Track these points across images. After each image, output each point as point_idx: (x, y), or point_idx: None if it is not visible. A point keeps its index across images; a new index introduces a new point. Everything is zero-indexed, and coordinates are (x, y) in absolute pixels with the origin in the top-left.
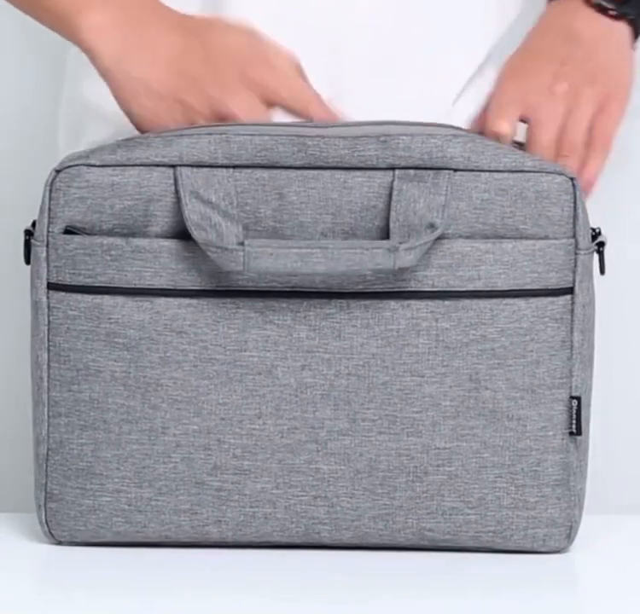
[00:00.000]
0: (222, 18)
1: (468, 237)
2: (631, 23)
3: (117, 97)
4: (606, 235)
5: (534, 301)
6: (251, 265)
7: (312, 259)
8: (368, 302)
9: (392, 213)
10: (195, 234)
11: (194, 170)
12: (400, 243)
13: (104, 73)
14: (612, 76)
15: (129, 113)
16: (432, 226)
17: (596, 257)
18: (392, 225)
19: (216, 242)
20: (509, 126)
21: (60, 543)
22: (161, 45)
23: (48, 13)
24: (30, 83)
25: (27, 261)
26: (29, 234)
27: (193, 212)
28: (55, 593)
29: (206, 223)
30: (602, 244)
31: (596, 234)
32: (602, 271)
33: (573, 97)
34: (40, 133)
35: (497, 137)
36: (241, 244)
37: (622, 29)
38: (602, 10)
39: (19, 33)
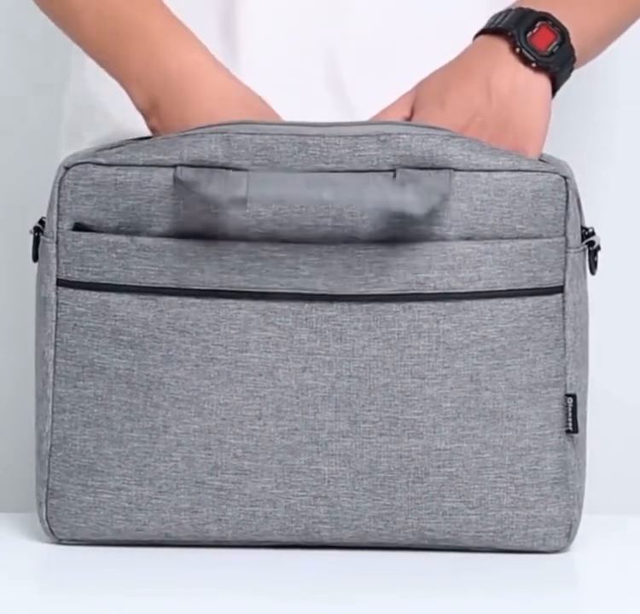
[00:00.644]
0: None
1: (468, 238)
2: (552, 76)
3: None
4: (601, 236)
5: (530, 300)
6: (255, 191)
7: (318, 187)
8: (369, 304)
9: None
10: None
11: (195, 169)
12: (408, 183)
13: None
14: (526, 127)
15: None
16: (440, 191)
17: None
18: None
19: (217, 171)
20: None
21: (60, 541)
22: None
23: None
24: (26, 78)
25: (35, 258)
26: (38, 230)
27: (188, 211)
28: (55, 593)
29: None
30: (591, 243)
31: (588, 233)
32: (593, 271)
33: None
34: (39, 131)
35: None
36: (245, 170)
37: (541, 82)
38: (524, 61)
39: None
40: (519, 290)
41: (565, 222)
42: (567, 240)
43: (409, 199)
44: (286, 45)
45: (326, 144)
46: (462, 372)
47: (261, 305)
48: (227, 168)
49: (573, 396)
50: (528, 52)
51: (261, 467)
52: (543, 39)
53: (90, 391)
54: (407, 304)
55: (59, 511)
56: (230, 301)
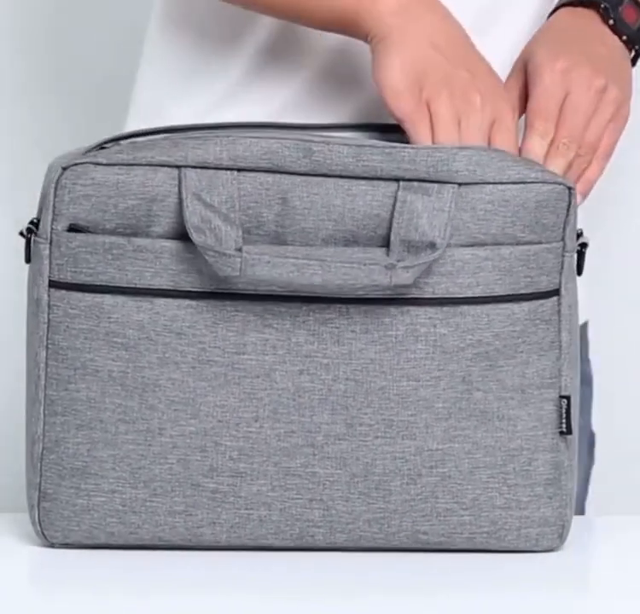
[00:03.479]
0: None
1: (468, 245)
2: (636, 52)
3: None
4: (589, 236)
5: (526, 304)
6: (247, 272)
7: (309, 271)
8: (367, 307)
9: (394, 225)
10: (194, 236)
11: (199, 171)
12: (398, 261)
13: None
14: (625, 85)
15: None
16: (433, 246)
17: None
18: (393, 238)
19: (214, 246)
20: (541, 145)
21: (52, 545)
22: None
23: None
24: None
25: (28, 259)
26: (31, 232)
27: (194, 214)
28: (47, 596)
29: (205, 226)
30: (584, 245)
31: (578, 234)
32: (580, 272)
33: (602, 95)
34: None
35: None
36: (239, 250)
37: (627, 55)
38: (616, 32)
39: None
40: (516, 295)
41: (564, 228)
42: (564, 245)
43: (399, 279)
44: None
45: (330, 151)
46: (455, 373)
47: (258, 307)
48: (231, 169)
49: (568, 398)
50: (621, 24)
51: (257, 470)
52: (631, 14)
53: (82, 394)
54: (405, 308)
55: (51, 514)
56: (228, 303)
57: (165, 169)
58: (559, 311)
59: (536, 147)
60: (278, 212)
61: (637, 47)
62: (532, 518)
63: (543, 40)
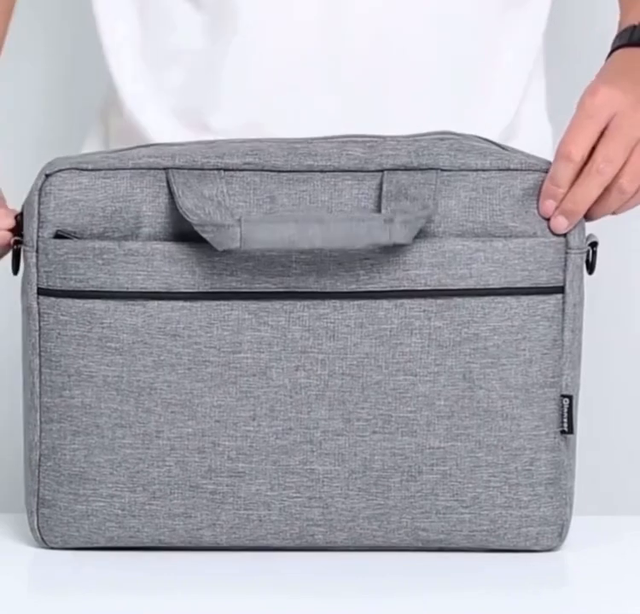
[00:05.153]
0: None
1: (458, 235)
2: None
3: None
4: (597, 234)
5: (525, 299)
6: (248, 241)
7: (309, 231)
8: (361, 302)
9: (384, 201)
10: (190, 217)
11: (186, 172)
12: (395, 215)
13: None
14: None
15: None
16: (425, 206)
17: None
18: (384, 207)
19: (212, 221)
20: (565, 167)
21: (51, 549)
22: None
23: None
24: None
25: (15, 270)
26: (18, 242)
27: (186, 200)
28: (47, 597)
29: (200, 211)
30: (594, 244)
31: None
32: (591, 271)
33: None
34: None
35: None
36: (238, 220)
37: None
38: None
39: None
40: (513, 288)
41: None
42: (567, 241)
43: (398, 235)
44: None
45: (314, 146)
46: (454, 369)
47: (253, 305)
48: (218, 169)
49: (569, 397)
50: None
51: (255, 469)
52: None
53: (77, 400)
54: (398, 301)
55: (50, 520)
56: (222, 302)
57: (153, 171)
58: (563, 309)
59: (559, 170)
60: (267, 211)
61: None
62: (532, 517)
63: (595, 77)
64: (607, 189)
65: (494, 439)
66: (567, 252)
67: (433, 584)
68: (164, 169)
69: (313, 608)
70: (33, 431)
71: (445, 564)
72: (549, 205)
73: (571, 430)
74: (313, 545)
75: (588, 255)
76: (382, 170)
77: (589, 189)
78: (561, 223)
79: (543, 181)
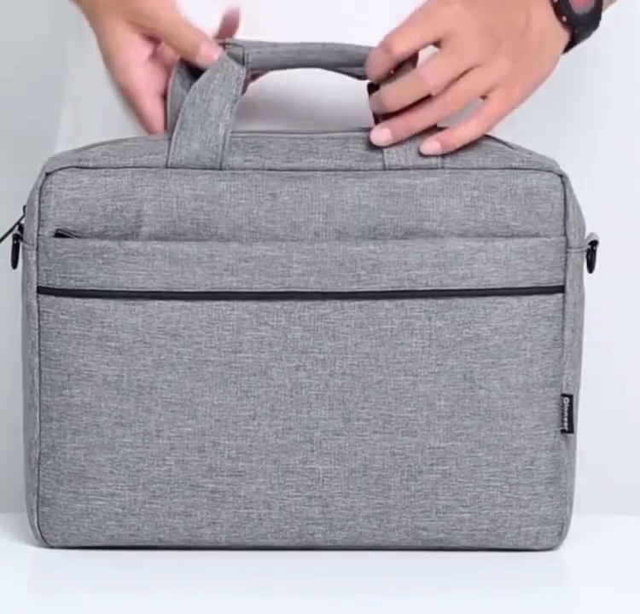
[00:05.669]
0: None
1: (460, 235)
2: (572, 37)
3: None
4: (597, 233)
5: (526, 299)
6: (252, 59)
7: (308, 49)
8: (362, 302)
9: (384, 199)
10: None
11: (188, 170)
12: None
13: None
14: (532, 67)
15: None
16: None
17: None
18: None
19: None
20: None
21: (51, 548)
22: None
23: None
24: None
25: (14, 265)
26: (18, 238)
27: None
28: (47, 596)
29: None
30: (595, 243)
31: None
32: (591, 270)
33: (486, 54)
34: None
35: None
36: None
37: (563, 37)
38: (557, 12)
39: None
40: (514, 288)
41: (564, 221)
42: (567, 240)
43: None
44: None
45: (316, 142)
46: (455, 370)
47: (254, 305)
48: (221, 168)
49: (570, 396)
50: (565, 6)
51: (256, 468)
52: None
53: (77, 399)
54: (399, 302)
55: (50, 518)
56: (223, 302)
57: (153, 169)
58: (563, 309)
59: (375, 56)
60: (268, 208)
61: (576, 31)
62: (532, 516)
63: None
64: (427, 101)
65: (494, 439)
66: (567, 252)
67: (433, 583)
68: (165, 167)
69: (313, 608)
70: (33, 430)
71: (444, 564)
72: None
73: (571, 429)
74: (313, 544)
75: (588, 254)
76: (384, 169)
77: (405, 91)
78: (380, 135)
79: (545, 180)
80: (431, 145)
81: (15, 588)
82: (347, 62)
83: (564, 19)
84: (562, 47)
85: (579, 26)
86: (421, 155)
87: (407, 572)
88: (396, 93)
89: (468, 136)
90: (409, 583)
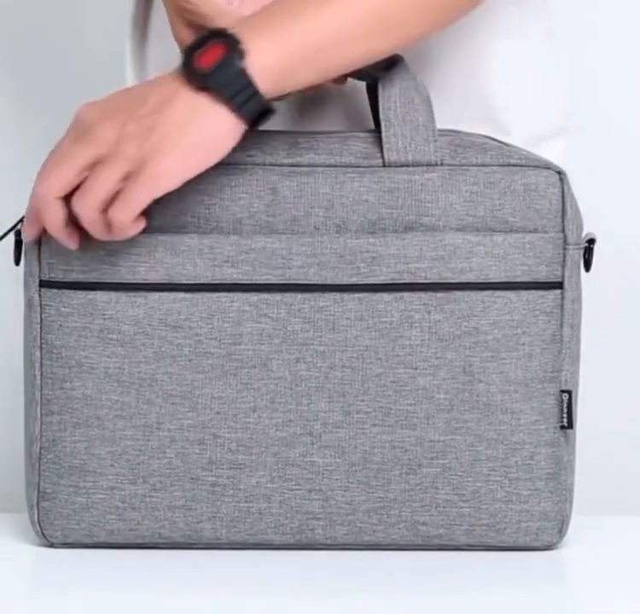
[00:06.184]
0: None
1: (458, 229)
2: (224, 98)
3: None
4: (594, 232)
5: (525, 294)
6: None
7: None
8: (361, 295)
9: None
10: None
11: None
12: None
13: None
14: (162, 142)
15: None
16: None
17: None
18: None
19: None
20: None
21: (52, 544)
22: None
23: None
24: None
25: (17, 262)
26: (20, 234)
27: None
28: (47, 595)
29: None
30: (592, 241)
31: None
32: (588, 268)
33: (109, 145)
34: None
35: None
36: None
37: (204, 103)
38: (189, 82)
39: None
40: (513, 283)
41: (562, 217)
42: (565, 237)
43: None
44: None
45: (316, 140)
46: (454, 363)
47: (254, 297)
48: (221, 163)
49: (569, 393)
50: (189, 70)
51: (256, 461)
52: (209, 57)
53: (78, 392)
54: (399, 295)
55: (51, 513)
56: (223, 294)
57: None
58: (562, 305)
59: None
60: (269, 203)
61: (225, 95)
62: (532, 512)
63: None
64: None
65: (494, 433)
66: (565, 248)
67: (433, 583)
68: None
69: (313, 608)
70: (34, 424)
71: (444, 563)
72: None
73: (571, 425)
74: (313, 541)
75: (585, 252)
76: (384, 166)
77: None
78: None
79: (543, 177)
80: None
81: (15, 588)
82: None
83: (197, 84)
84: (207, 108)
85: (222, 88)
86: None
87: (407, 572)
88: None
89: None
90: (409, 583)
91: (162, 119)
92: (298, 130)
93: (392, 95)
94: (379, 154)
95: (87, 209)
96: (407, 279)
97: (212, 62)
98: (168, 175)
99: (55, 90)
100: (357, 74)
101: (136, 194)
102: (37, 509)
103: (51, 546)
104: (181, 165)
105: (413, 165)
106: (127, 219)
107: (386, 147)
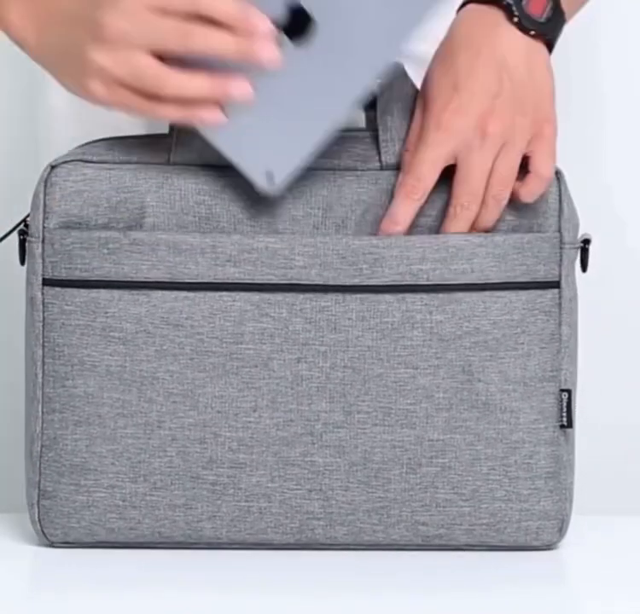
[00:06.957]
0: None
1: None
2: (548, 43)
3: (54, 74)
4: (591, 232)
5: (524, 294)
6: None
7: None
8: (363, 295)
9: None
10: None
11: (190, 167)
12: None
13: (35, 58)
14: (539, 100)
15: (72, 87)
16: None
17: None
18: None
19: None
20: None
21: (52, 543)
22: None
23: None
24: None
25: (22, 261)
26: (23, 233)
27: None
28: (47, 595)
29: None
30: (587, 241)
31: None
32: (584, 269)
33: (504, 134)
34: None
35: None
36: None
37: (541, 49)
38: (523, 30)
39: None
40: (512, 283)
41: (559, 217)
42: (561, 236)
43: None
44: None
45: None
46: (454, 363)
47: (256, 297)
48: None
49: (568, 392)
50: (526, 20)
51: (256, 460)
52: (537, 5)
53: (79, 390)
54: (400, 295)
55: (51, 512)
56: (225, 293)
57: (157, 165)
58: (559, 304)
59: (398, 207)
60: (269, 204)
61: (549, 38)
62: (532, 511)
63: (438, 74)
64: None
65: (493, 432)
66: (561, 247)
67: (433, 583)
68: (167, 164)
69: (313, 608)
70: (35, 423)
71: (444, 563)
72: None
73: (570, 424)
74: (313, 540)
75: (581, 252)
76: (382, 169)
77: (460, 230)
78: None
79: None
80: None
81: (15, 588)
82: None
83: (532, 33)
84: (547, 59)
85: (548, 32)
86: None
87: (407, 572)
88: (465, 225)
89: (533, 196)
90: (409, 583)
91: (528, 78)
92: None
93: (390, 100)
94: (376, 157)
95: (502, 196)
96: (409, 280)
97: (543, 10)
98: (554, 128)
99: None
100: None
101: (544, 160)
102: (38, 507)
103: (51, 544)
104: (552, 114)
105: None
106: (539, 189)
107: (383, 150)
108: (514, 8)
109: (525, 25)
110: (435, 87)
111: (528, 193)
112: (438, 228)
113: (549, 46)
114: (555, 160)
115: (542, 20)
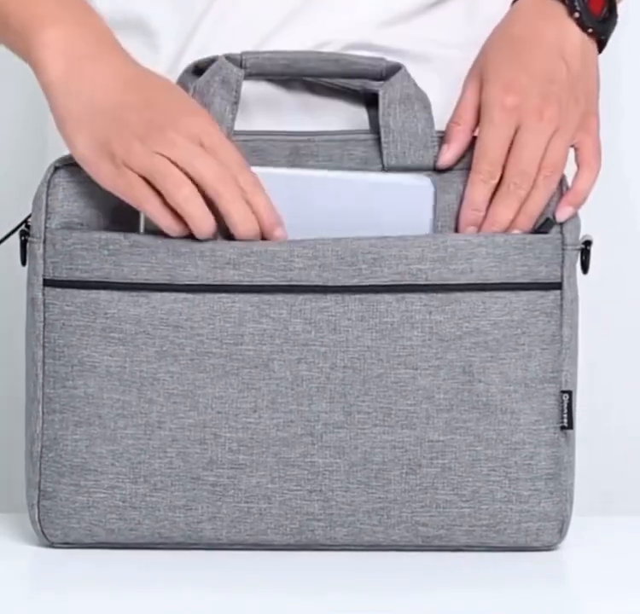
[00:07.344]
0: (171, 83)
1: (459, 230)
2: (599, 42)
3: (55, 117)
4: (591, 234)
5: (525, 294)
6: (249, 64)
7: (305, 57)
8: (363, 296)
9: None
10: None
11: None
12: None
13: (46, 88)
14: (589, 94)
15: (65, 138)
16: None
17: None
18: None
19: None
20: (482, 190)
21: (52, 544)
22: (99, 87)
23: (8, 30)
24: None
25: (24, 262)
26: (25, 234)
27: None
28: (47, 595)
29: None
30: (588, 242)
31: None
32: (585, 270)
33: (559, 119)
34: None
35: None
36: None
37: (594, 48)
38: (581, 26)
39: None
40: (512, 283)
41: None
42: (563, 237)
43: None
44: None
45: (316, 145)
46: (454, 363)
47: (255, 298)
48: None
49: (569, 393)
50: (587, 17)
51: (256, 461)
52: (597, 4)
53: (80, 391)
54: (400, 295)
55: (51, 512)
56: (224, 295)
57: None
58: (561, 305)
59: (476, 194)
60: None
61: (602, 38)
62: (532, 512)
63: (499, 56)
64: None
65: (493, 433)
66: (563, 249)
67: (433, 583)
68: None
69: (313, 608)
70: (35, 423)
71: (444, 564)
72: (472, 232)
73: (571, 425)
74: (313, 541)
75: (582, 254)
76: (383, 171)
77: (510, 208)
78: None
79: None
80: (565, 210)
81: (15, 588)
82: (340, 72)
83: (590, 30)
84: (597, 58)
85: (603, 32)
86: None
87: (407, 572)
88: (502, 214)
89: (589, 187)
90: (409, 583)
91: (582, 72)
92: (298, 129)
93: (392, 102)
94: (378, 159)
95: (553, 179)
96: (408, 280)
97: (602, 10)
98: (597, 123)
99: None
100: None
101: (590, 152)
102: (38, 508)
103: (51, 545)
104: (597, 109)
105: (412, 170)
106: (590, 180)
107: (385, 152)
108: (576, 4)
109: (584, 21)
110: (497, 68)
111: (584, 183)
112: (439, 229)
113: (600, 46)
114: (601, 153)
115: (599, 19)
